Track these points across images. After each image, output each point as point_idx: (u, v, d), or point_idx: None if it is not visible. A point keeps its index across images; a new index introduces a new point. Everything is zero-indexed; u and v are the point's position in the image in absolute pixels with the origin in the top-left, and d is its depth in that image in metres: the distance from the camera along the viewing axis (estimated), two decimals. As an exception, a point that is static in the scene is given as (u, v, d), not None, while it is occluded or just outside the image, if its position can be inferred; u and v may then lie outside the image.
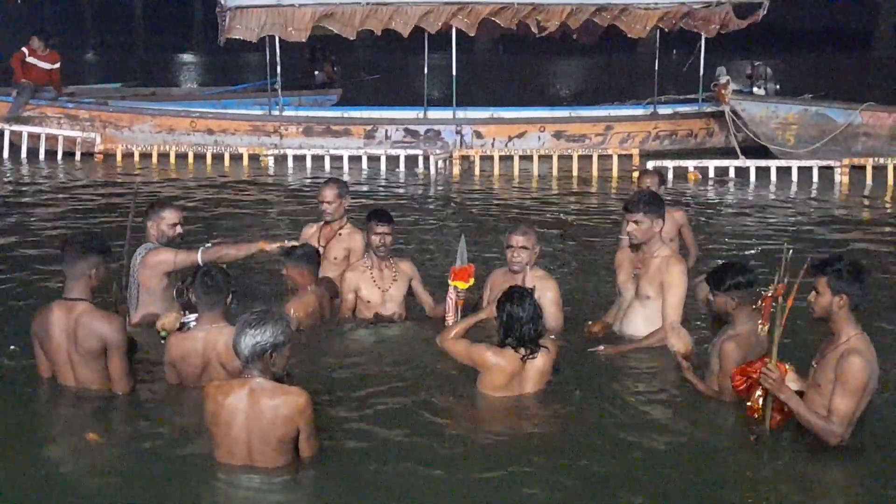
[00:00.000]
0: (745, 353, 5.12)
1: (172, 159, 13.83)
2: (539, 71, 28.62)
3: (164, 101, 16.62)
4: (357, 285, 6.62)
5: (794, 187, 12.64)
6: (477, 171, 13.45)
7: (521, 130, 14.84)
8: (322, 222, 7.11)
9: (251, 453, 4.40)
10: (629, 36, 15.34)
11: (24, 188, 12.32)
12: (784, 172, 13.00)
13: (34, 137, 14.23)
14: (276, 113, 14.84)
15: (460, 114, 15.01)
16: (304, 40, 14.67)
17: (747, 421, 4.94)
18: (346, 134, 14.72)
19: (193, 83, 26.08)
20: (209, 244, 6.45)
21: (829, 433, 4.65)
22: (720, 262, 6.72)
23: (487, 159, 13.68)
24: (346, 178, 12.77)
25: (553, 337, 5.75)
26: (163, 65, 30.61)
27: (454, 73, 14.69)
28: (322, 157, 13.80)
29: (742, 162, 13.23)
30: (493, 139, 14.71)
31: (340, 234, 7.02)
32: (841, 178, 12.73)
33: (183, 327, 5.43)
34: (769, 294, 4.87)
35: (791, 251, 4.87)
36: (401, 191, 12.41)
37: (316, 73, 18.37)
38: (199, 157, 13.88)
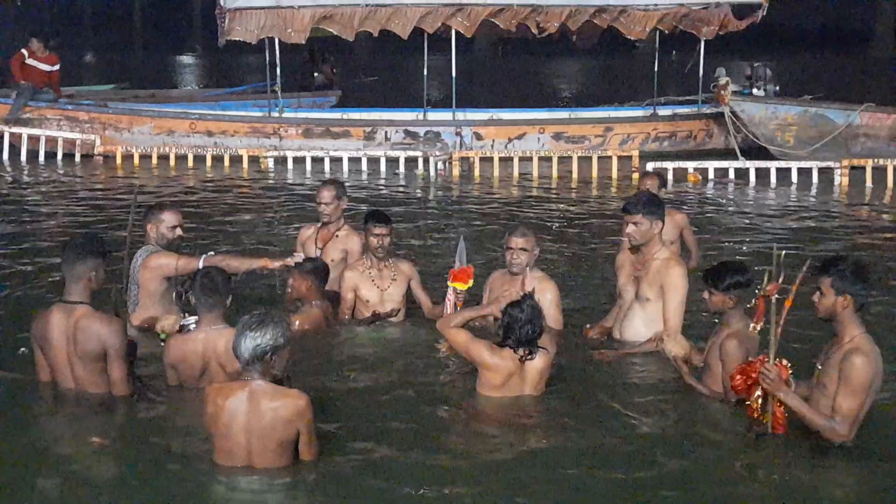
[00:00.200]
0: (747, 350, 5.13)
1: (172, 161, 13.84)
2: (539, 72, 28.64)
3: (164, 102, 16.63)
4: (356, 285, 6.63)
5: (793, 188, 12.64)
6: (477, 173, 13.46)
7: (520, 132, 14.85)
8: (319, 224, 7.10)
9: (251, 455, 4.39)
10: (628, 37, 15.35)
11: (23, 190, 12.31)
12: (784, 173, 13.01)
13: (34, 139, 14.24)
14: (276, 115, 14.85)
15: (460, 115, 15.02)
16: (303, 42, 14.69)
17: (748, 421, 4.93)
18: (346, 135, 14.72)
19: (193, 85, 26.07)
20: (212, 252, 6.46)
21: (832, 432, 4.64)
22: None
23: (487, 161, 13.68)
24: (345, 179, 12.78)
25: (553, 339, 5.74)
26: (162, 66, 30.61)
27: (454, 74, 14.70)
28: (322, 159, 13.81)
29: (742, 163, 13.23)
30: (493, 141, 14.71)
31: (338, 236, 7.01)
32: (841, 179, 12.73)
33: (182, 329, 5.43)
34: (762, 294, 4.88)
35: (783, 253, 4.87)
36: (400, 192, 12.40)
37: (315, 74, 18.38)
38: (199, 159, 13.90)
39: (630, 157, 13.66)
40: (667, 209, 7.31)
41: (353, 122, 15.05)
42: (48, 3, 44.53)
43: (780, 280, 4.81)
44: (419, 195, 12.30)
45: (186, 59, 35.10)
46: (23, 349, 5.80)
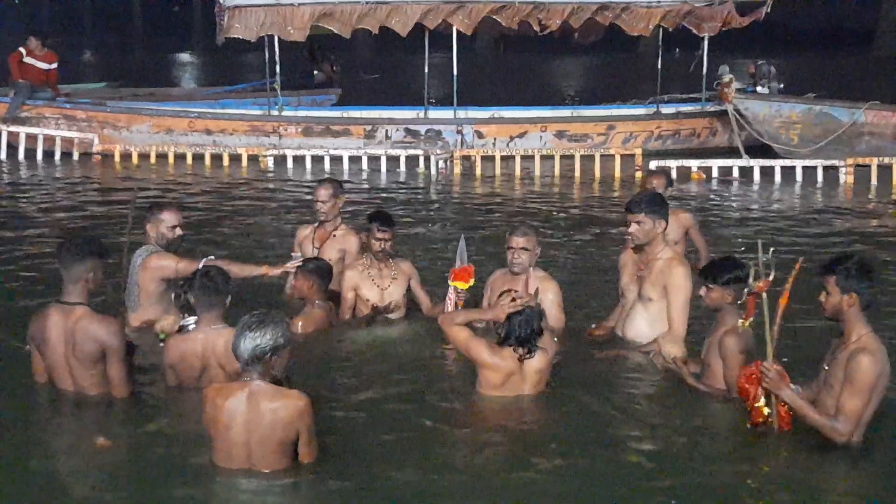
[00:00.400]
0: (745, 345, 5.15)
1: (171, 160, 13.83)
2: (541, 70, 28.64)
3: (163, 101, 16.58)
4: (356, 284, 6.64)
5: (798, 187, 12.61)
6: (478, 172, 13.41)
7: (522, 130, 14.80)
8: (317, 223, 7.10)
9: (250, 456, 4.38)
10: (631, 34, 15.30)
11: (21, 189, 12.29)
12: (788, 172, 12.99)
13: (32, 138, 14.22)
14: (276, 113, 14.81)
15: (461, 113, 14.98)
16: (303, 39, 14.64)
17: (751, 422, 4.91)
18: (346, 134, 14.68)
19: (192, 83, 26.06)
20: (212, 257, 6.44)
21: (834, 432, 4.64)
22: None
23: (489, 159, 13.64)
24: (345, 178, 12.75)
25: (555, 339, 5.70)
26: (161, 64, 30.62)
27: (455, 72, 14.67)
28: (322, 158, 13.77)
29: (746, 161, 13.19)
30: (495, 139, 14.67)
31: (335, 236, 7.00)
32: (846, 177, 12.68)
33: (182, 329, 5.42)
34: (750, 292, 4.93)
35: (772, 250, 4.89)
36: (401, 191, 12.37)
37: (315, 72, 18.31)
38: (198, 158, 13.88)
39: (633, 156, 13.60)
40: (672, 209, 7.26)
41: (353, 121, 15.00)
42: (47, 1, 44.62)
43: (771, 277, 4.84)
44: (420, 194, 12.24)
45: (185, 57, 35.11)
46: (28, 346, 5.75)
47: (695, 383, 5.39)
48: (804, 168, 13.00)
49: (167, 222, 6.30)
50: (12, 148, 14.18)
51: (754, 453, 4.82)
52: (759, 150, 13.99)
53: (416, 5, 14.33)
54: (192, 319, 5.36)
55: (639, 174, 12.95)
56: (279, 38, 14.29)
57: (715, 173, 13.05)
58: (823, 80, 19.29)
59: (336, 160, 13.74)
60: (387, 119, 14.98)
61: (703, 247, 7.71)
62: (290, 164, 13.72)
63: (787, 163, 13.18)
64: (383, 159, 13.70)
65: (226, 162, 13.75)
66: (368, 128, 14.73)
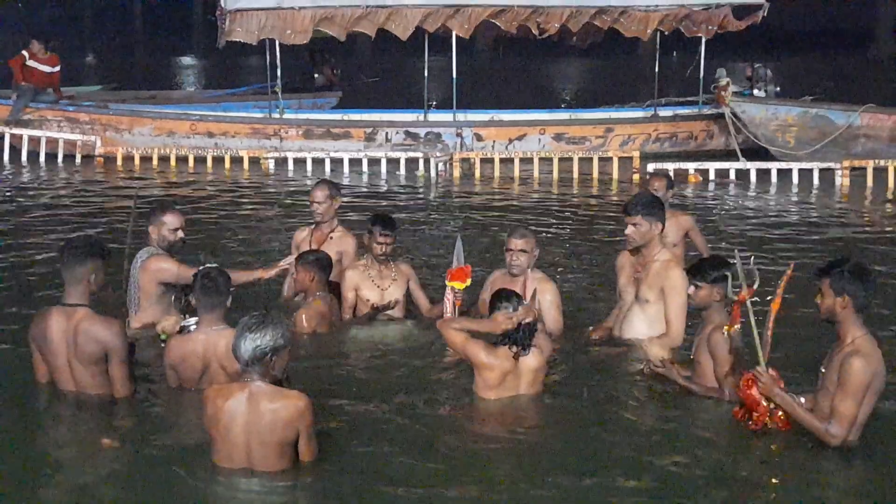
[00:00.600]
0: (734, 341, 5.15)
1: (173, 162, 13.85)
2: (539, 73, 28.63)
3: (164, 104, 16.63)
4: (357, 284, 6.64)
5: (794, 189, 12.63)
6: (477, 174, 13.45)
7: (521, 133, 14.86)
8: (313, 225, 7.05)
9: (250, 457, 4.38)
10: (629, 38, 15.33)
11: (24, 191, 12.31)
12: (785, 174, 13.01)
13: (35, 141, 14.25)
14: (277, 116, 14.85)
15: (460, 116, 15.02)
16: (306, 41, 14.65)
17: (753, 423, 4.93)
18: (347, 136, 14.72)
19: (193, 86, 26.08)
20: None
21: (827, 435, 4.65)
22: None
23: (488, 162, 13.67)
24: (346, 180, 12.79)
25: (553, 340, 5.74)
26: (163, 68, 30.61)
27: (454, 75, 14.70)
28: (322, 160, 13.80)
29: (743, 164, 13.23)
30: (494, 141, 14.71)
31: (332, 238, 6.93)
32: (842, 180, 12.72)
33: (183, 330, 5.42)
34: (735, 299, 4.95)
35: (752, 259, 4.95)
36: (401, 193, 12.39)
37: (316, 75, 18.37)
38: (200, 161, 13.89)
39: (631, 158, 13.65)
40: (672, 211, 7.30)
41: (353, 123, 15.05)
42: (49, 4, 44.55)
43: (755, 286, 4.90)
44: (420, 196, 12.29)
45: (187, 60, 35.09)
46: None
47: (686, 383, 5.39)
48: (800, 171, 13.03)
49: (169, 224, 6.27)
50: (15, 150, 14.20)
51: (753, 453, 4.82)
52: (756, 152, 14.03)
53: (415, 9, 14.39)
54: (193, 320, 5.36)
55: (636, 176, 13.01)
56: (280, 42, 14.36)
57: (712, 176, 13.07)
58: (821, 83, 19.35)
59: (336, 163, 13.76)
60: (387, 122, 15.02)
61: (704, 248, 7.58)
62: (290, 166, 13.75)
63: (784, 165, 13.22)
64: (383, 162, 13.75)
65: (227, 164, 13.77)
66: (369, 130, 14.78)
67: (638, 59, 28.93)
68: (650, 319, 6.00)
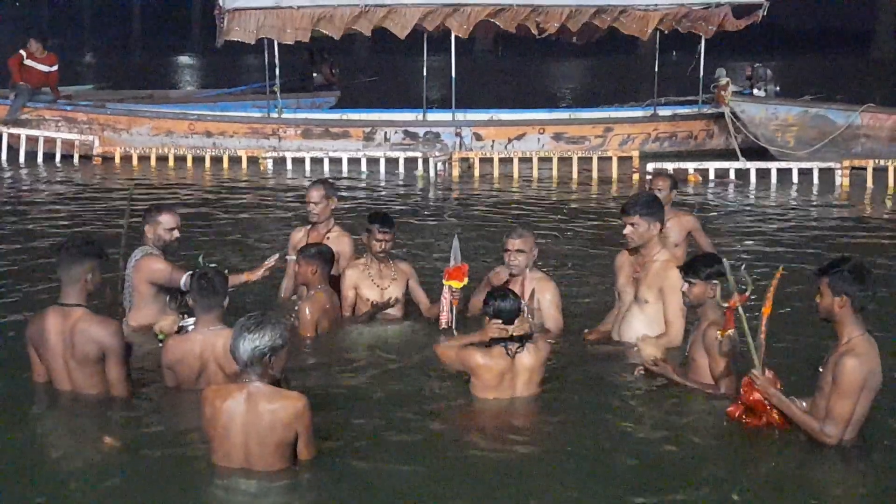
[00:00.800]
0: (728, 344, 5.15)
1: (171, 162, 13.85)
2: (538, 73, 28.65)
3: (162, 103, 16.61)
4: (356, 283, 6.64)
5: (794, 189, 12.63)
6: (476, 174, 13.45)
7: (520, 132, 14.84)
8: (310, 226, 7.03)
9: (249, 457, 4.37)
10: (629, 37, 15.34)
11: (22, 191, 12.31)
12: (784, 174, 13.00)
13: (32, 140, 14.24)
14: (275, 115, 14.83)
15: (459, 116, 15.01)
16: (304, 41, 14.66)
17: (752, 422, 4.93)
18: (345, 136, 14.71)
19: (191, 85, 26.08)
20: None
21: (821, 435, 4.66)
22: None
23: (487, 161, 13.67)
24: (344, 180, 12.77)
25: (551, 340, 5.74)
26: (161, 67, 30.61)
27: (453, 74, 14.70)
28: (321, 160, 13.80)
29: (742, 164, 13.22)
30: (493, 141, 14.71)
31: (328, 238, 6.89)
32: (842, 179, 12.71)
33: (181, 330, 5.42)
34: (727, 306, 4.98)
35: (743, 266, 4.99)
36: (400, 193, 12.38)
37: (314, 75, 18.35)
38: (198, 160, 13.90)
39: (630, 158, 13.64)
40: (675, 211, 7.29)
41: (352, 123, 15.04)
42: (47, 3, 44.60)
43: (748, 292, 4.93)
44: (419, 196, 12.27)
45: (185, 59, 35.11)
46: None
47: (682, 381, 5.40)
48: (800, 170, 13.03)
49: (165, 224, 6.27)
50: (13, 150, 14.20)
51: (751, 452, 4.82)
52: (756, 152, 14.03)
53: (414, 8, 14.38)
54: (191, 320, 5.35)
55: (636, 176, 12.99)
56: (278, 41, 14.33)
57: (711, 175, 13.07)
58: (821, 82, 19.35)
59: (335, 162, 13.76)
60: (386, 121, 15.01)
61: (708, 248, 7.39)
62: (289, 165, 13.74)
63: (783, 165, 13.22)
64: (382, 161, 13.73)
65: (225, 164, 13.77)
66: (367, 130, 14.76)
67: (637, 58, 28.95)
68: (649, 320, 5.99)
